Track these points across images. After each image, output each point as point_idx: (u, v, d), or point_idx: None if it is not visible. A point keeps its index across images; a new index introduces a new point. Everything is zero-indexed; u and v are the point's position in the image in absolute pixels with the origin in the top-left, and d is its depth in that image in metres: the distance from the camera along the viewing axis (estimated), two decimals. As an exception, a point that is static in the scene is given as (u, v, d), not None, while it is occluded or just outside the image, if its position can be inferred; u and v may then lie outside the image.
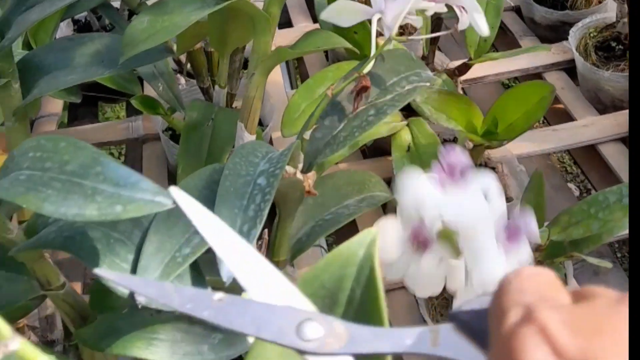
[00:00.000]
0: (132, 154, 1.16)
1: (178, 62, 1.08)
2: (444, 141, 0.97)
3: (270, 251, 0.61)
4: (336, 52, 1.24)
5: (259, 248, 0.83)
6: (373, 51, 0.62)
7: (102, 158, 0.45)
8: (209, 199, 0.51)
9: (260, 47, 0.70)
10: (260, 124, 1.00)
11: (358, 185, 0.70)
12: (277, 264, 0.60)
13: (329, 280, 0.38)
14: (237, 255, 0.34)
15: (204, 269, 0.51)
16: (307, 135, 0.60)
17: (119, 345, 0.52)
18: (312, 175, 0.58)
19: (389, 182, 0.85)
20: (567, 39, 1.15)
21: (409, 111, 0.95)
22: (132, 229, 0.49)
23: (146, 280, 0.30)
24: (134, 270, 0.47)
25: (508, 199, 0.95)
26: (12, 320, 0.57)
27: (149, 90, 1.02)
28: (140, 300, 0.47)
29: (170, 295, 0.30)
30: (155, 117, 1.02)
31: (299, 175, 0.58)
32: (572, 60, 1.15)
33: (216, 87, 0.84)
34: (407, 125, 0.88)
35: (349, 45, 0.75)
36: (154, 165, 1.09)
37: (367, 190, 0.71)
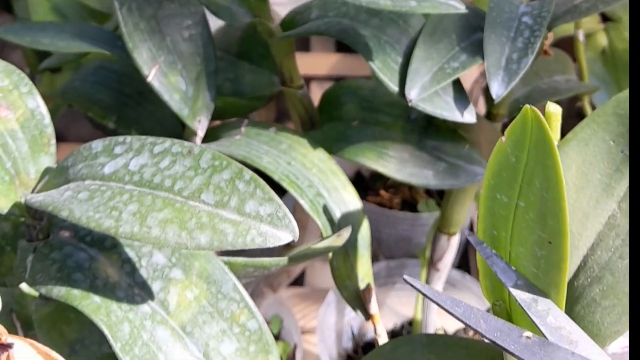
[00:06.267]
0: None
1: None
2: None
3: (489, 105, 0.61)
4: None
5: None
6: None
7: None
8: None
9: None
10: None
11: (562, 65, 0.70)
12: (496, 117, 0.60)
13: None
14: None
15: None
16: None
17: (351, 151, 0.54)
18: (551, 35, 0.58)
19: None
20: None
21: (604, 19, 0.93)
22: (400, 35, 0.50)
23: (456, 301, 0.33)
24: (403, 72, 0.48)
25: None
26: (239, 114, 0.59)
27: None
28: (412, 96, 0.48)
29: (477, 319, 0.32)
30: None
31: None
32: None
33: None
34: (605, 29, 0.87)
35: None
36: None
37: (568, 72, 0.71)
